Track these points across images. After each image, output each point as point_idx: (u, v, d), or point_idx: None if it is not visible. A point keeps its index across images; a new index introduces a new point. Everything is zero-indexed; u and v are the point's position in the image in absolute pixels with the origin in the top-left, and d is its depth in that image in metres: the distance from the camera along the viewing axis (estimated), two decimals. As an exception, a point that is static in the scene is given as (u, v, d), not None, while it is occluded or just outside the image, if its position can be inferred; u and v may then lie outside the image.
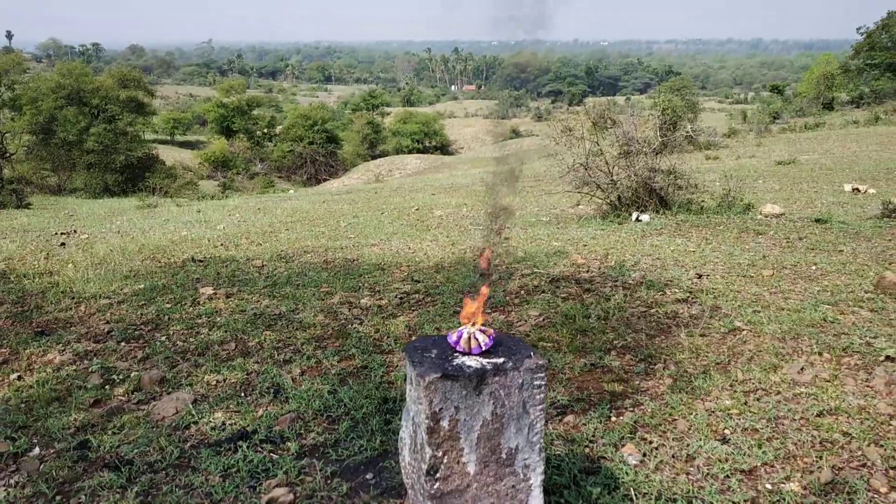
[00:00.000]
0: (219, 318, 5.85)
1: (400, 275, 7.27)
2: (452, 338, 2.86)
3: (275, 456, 3.63)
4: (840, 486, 3.20)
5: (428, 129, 76.26)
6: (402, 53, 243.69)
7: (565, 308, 5.73)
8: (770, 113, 53.02)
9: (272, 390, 4.38)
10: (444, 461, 2.77)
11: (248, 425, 3.95)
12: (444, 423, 2.72)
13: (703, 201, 11.38)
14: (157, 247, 10.06)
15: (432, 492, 2.79)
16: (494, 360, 2.76)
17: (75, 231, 14.53)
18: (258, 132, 67.25)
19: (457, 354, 2.83)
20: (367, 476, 3.43)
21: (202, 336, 5.44)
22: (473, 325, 2.89)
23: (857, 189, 13.98)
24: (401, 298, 6.25)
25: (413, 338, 5.22)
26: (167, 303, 6.41)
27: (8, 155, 38.45)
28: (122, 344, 5.35)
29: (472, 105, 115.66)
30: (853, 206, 12.09)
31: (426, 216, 14.26)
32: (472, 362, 2.75)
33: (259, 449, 3.69)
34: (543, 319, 5.55)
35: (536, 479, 2.89)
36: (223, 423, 3.99)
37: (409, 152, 68.06)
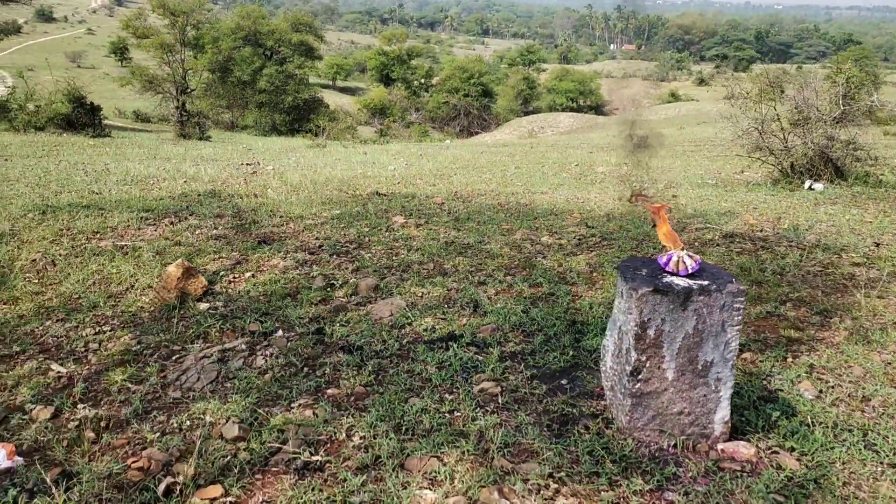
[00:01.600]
0: (414, 243, 6.49)
1: (573, 220, 7.67)
2: (662, 259, 3.26)
3: (479, 357, 4.17)
4: None
5: (583, 87, 75.26)
6: (563, 9, 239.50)
7: (740, 261, 5.95)
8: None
9: (471, 305, 4.94)
10: (647, 365, 3.19)
11: (455, 330, 4.52)
12: (651, 332, 3.14)
13: (882, 174, 11.02)
14: (342, 180, 10.91)
15: (633, 391, 3.23)
16: (700, 282, 3.14)
17: (258, 163, 15.76)
18: (415, 82, 68.64)
19: (665, 274, 3.23)
20: (563, 381, 3.91)
21: (402, 256, 6.09)
22: (682, 249, 3.27)
23: None
24: (578, 240, 6.66)
25: (594, 274, 5.63)
26: (364, 227, 7.12)
27: (189, 90, 41.43)
28: (334, 257, 6.09)
29: (630, 65, 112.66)
30: None
31: (588, 171, 14.48)
32: (681, 281, 3.14)
33: (466, 350, 4.25)
34: (718, 270, 5.81)
35: (726, 393, 3.26)
36: (433, 327, 4.58)
37: (563, 110, 67.42)
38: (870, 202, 9.20)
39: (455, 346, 4.27)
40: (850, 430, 3.42)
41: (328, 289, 5.31)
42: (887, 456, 3.20)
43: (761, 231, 7.16)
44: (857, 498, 2.93)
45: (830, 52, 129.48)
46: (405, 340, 4.41)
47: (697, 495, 2.93)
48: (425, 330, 4.55)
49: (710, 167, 15.94)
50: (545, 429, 3.40)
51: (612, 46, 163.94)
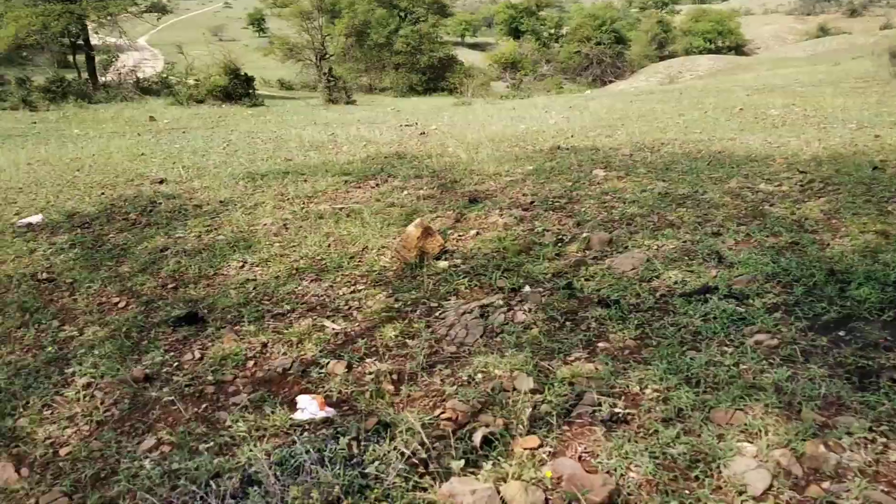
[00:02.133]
0: (627, 196, 6.39)
1: (779, 167, 7.33)
2: None
3: (742, 309, 4.07)
4: None
5: (722, 27, 71.59)
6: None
7: None
8: None
9: (714, 257, 4.82)
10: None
11: (708, 282, 4.43)
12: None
13: None
14: (514, 136, 10.89)
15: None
16: None
17: (416, 123, 15.96)
18: (545, 33, 67.46)
19: None
20: (840, 333, 3.75)
21: (619, 209, 6.02)
22: None
23: None
24: (800, 186, 6.36)
25: (832, 221, 5.37)
26: (566, 181, 7.09)
27: (328, 56, 42.49)
28: (549, 212, 6.10)
29: (771, 0, 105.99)
30: None
31: (760, 115, 13.79)
32: None
33: (726, 302, 4.15)
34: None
35: None
36: (683, 280, 4.51)
37: (700, 53, 64.46)
38: None
39: (714, 298, 4.19)
40: None
41: (559, 244, 5.33)
42: None
43: None
44: None
45: None
46: (658, 294, 4.36)
47: None
48: (675, 283, 4.48)
49: (892, 104, 14.82)
50: (845, 382, 3.29)
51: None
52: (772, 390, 3.24)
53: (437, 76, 43.03)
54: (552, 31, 68.32)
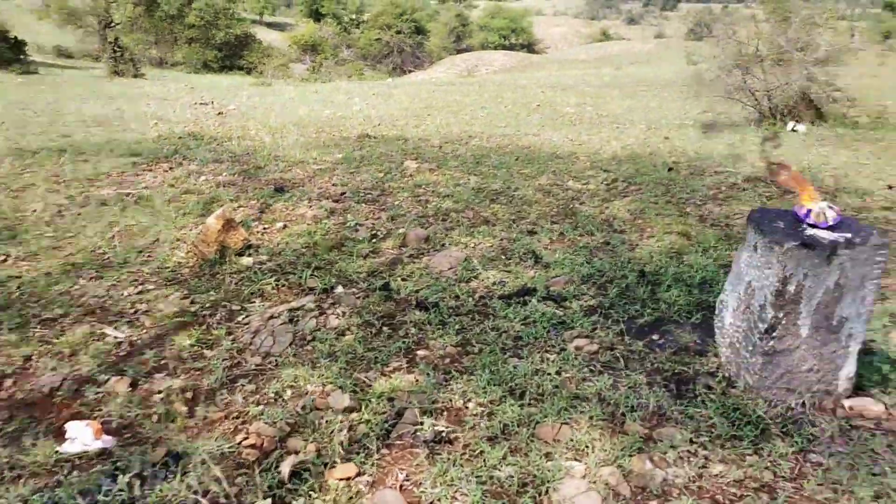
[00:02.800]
0: (440, 189, 6.20)
1: (583, 164, 7.49)
2: (801, 211, 3.11)
3: (560, 312, 3.98)
4: None
5: (515, 25, 74.42)
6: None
7: (774, 206, 5.90)
8: (883, 32, 50.00)
9: (531, 256, 4.73)
10: (783, 322, 3.06)
11: (527, 284, 4.31)
12: (791, 288, 3.00)
13: (858, 117, 11.17)
14: (320, 121, 10.43)
15: (766, 349, 3.10)
16: (844, 234, 3.00)
17: (212, 102, 14.99)
18: (346, 17, 66.69)
19: (805, 227, 3.08)
20: (654, 337, 3.76)
21: (434, 203, 5.81)
22: (823, 201, 3.11)
23: None
24: (607, 185, 6.49)
25: (637, 221, 5.49)
26: (377, 172, 6.79)
27: (113, 24, 39.21)
28: (362, 205, 5.76)
29: (560, 3, 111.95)
30: None
31: (558, 112, 14.27)
32: (825, 234, 3.00)
33: (545, 304, 4.04)
34: (754, 215, 5.74)
35: (854, 348, 3.16)
36: (501, 280, 4.37)
37: (495, 48, 66.67)
38: (857, 143, 9.30)
39: (533, 300, 4.07)
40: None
41: (373, 240, 5.02)
42: None
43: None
44: None
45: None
46: (478, 295, 4.19)
47: (845, 456, 2.84)
48: (494, 284, 4.33)
49: (671, 108, 15.91)
50: (664, 389, 3.26)
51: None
52: (595, 400, 3.15)
53: (233, 54, 41.06)
54: (353, 15, 67.55)
